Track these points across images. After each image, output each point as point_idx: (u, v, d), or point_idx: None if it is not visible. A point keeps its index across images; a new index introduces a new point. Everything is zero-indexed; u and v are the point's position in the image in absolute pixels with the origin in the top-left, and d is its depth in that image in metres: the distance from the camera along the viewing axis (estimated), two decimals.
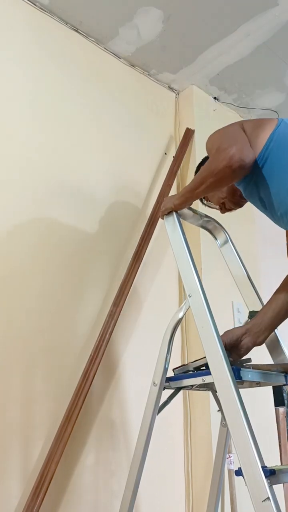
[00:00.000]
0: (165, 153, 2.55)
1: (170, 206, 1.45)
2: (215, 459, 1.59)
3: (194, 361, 1.37)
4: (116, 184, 2.26)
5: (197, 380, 1.29)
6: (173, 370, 1.40)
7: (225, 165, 1.21)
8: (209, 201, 1.57)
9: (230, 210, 1.54)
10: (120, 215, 2.22)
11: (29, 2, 2.14)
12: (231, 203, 1.50)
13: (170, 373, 1.40)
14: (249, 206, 1.49)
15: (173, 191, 2.44)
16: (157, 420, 1.36)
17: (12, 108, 1.96)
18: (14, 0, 2.10)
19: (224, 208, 1.54)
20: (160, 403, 1.36)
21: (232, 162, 1.20)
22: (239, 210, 1.55)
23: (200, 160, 1.64)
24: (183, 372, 1.38)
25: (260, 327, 1.37)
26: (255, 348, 1.56)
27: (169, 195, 2.32)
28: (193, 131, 2.59)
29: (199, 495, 2.06)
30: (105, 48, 2.41)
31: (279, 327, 1.48)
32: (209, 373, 1.19)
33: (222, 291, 2.18)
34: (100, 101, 2.32)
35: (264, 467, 1.00)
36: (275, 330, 1.45)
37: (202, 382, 1.28)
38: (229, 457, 2.02)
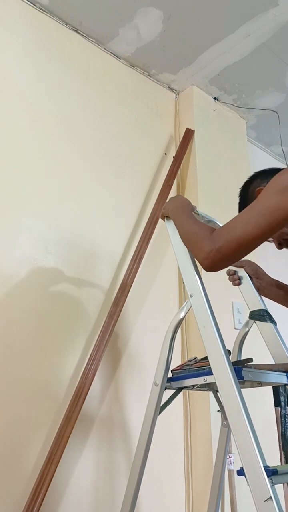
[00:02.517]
0: (165, 154, 2.55)
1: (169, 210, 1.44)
2: (216, 459, 1.59)
3: (193, 363, 1.37)
4: (116, 184, 2.26)
5: (199, 380, 1.29)
6: (171, 371, 1.40)
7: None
8: None
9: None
10: (120, 215, 2.22)
11: (29, 2, 2.14)
12: None
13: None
14: None
15: (173, 192, 2.44)
16: (157, 420, 1.36)
17: (12, 108, 1.96)
18: (14, 0, 2.10)
19: (282, 244, 1.37)
20: (161, 403, 1.36)
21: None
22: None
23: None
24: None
25: (267, 288, 1.54)
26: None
27: (169, 195, 2.33)
28: (193, 131, 2.59)
29: (199, 495, 2.06)
30: (105, 49, 2.41)
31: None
32: (211, 373, 1.19)
33: (222, 291, 2.17)
34: (100, 101, 2.32)
35: (266, 467, 1.00)
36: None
37: (204, 382, 1.28)
38: (229, 457, 2.02)
